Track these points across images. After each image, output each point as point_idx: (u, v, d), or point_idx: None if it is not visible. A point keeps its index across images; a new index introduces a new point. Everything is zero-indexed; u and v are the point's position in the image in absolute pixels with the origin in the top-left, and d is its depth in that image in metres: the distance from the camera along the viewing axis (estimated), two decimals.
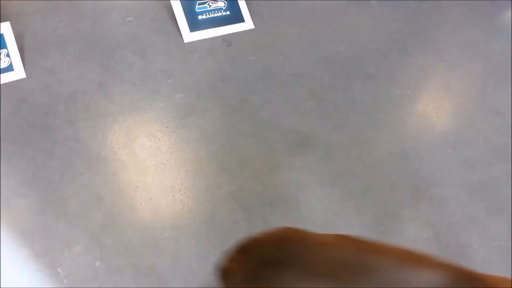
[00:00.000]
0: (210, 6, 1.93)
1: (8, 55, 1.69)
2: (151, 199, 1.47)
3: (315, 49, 1.91)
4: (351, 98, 1.78)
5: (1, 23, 1.72)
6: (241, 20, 1.95)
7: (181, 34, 1.88)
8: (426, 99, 1.84)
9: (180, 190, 1.50)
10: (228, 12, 1.95)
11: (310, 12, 2.04)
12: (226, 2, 1.95)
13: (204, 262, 1.38)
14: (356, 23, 2.02)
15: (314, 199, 1.53)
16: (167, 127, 1.63)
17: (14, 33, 1.73)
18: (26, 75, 1.69)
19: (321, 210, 1.51)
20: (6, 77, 1.67)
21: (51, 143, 1.54)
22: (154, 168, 1.53)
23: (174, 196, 1.49)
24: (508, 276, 1.16)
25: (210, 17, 1.92)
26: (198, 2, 1.92)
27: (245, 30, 1.94)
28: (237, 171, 1.55)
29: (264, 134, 1.65)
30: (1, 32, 1.70)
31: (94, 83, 1.71)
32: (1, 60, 1.68)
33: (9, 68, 1.68)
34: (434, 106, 1.82)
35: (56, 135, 1.56)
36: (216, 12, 1.94)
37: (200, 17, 1.91)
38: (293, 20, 2.00)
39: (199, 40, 1.88)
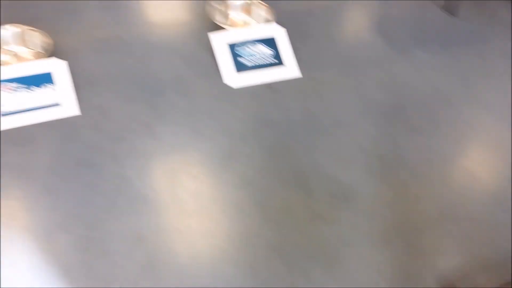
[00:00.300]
0: (257, 52, 1.97)
1: (61, 92, 1.76)
2: (191, 243, 1.47)
3: (360, 98, 1.91)
4: (396, 150, 1.76)
5: (59, 60, 1.80)
6: (286, 66, 1.98)
7: (226, 78, 1.92)
8: (473, 155, 1.80)
9: (219, 236, 1.50)
10: (274, 59, 1.99)
11: (355, 61, 2.05)
12: (272, 49, 1.99)
13: None
14: (401, 73, 2.02)
15: (358, 257, 1.49)
16: (209, 170, 1.65)
17: (70, 71, 1.80)
18: (78, 112, 1.75)
19: (365, 269, 1.47)
20: (58, 113, 1.74)
21: (98, 180, 1.57)
22: (195, 211, 1.54)
23: (213, 241, 1.48)
24: None
25: (257, 63, 1.96)
26: (245, 47, 1.97)
27: (292, 79, 1.97)
28: (278, 219, 1.54)
29: (306, 182, 1.64)
30: (58, 69, 1.78)
31: (141, 123, 1.75)
32: (56, 96, 1.75)
33: (62, 104, 1.75)
34: (482, 163, 1.78)
35: (103, 173, 1.59)
36: (262, 58, 1.97)
37: (246, 62, 1.95)
38: (338, 69, 2.02)
39: (243, 84, 1.92)
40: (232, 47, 1.95)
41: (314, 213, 1.57)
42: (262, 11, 2.15)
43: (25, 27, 1.94)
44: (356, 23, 2.28)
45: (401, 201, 1.63)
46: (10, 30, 1.92)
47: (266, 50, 1.98)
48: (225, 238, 1.49)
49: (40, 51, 1.94)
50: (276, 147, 1.73)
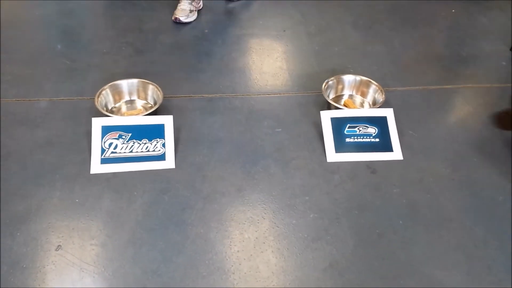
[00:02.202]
0: (359, 130, 1.90)
1: (164, 145, 1.80)
2: None
3: (469, 194, 1.74)
4: (505, 259, 1.54)
5: (165, 116, 1.86)
6: (390, 149, 1.88)
7: (325, 153, 1.86)
8: None
9: None
10: (377, 139, 1.90)
11: (465, 153, 1.90)
12: (377, 129, 1.91)
13: None
14: None
15: None
16: (295, 247, 1.55)
17: (174, 126, 1.85)
18: (175, 166, 1.78)
19: None
20: (157, 165, 1.77)
21: (182, 239, 1.54)
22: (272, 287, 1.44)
23: None
24: None
25: (358, 141, 1.89)
26: (348, 124, 1.91)
27: (392, 160, 1.86)
28: None
29: (400, 279, 1.48)
30: (163, 123, 1.84)
31: (234, 186, 1.72)
32: (157, 148, 1.80)
33: (162, 157, 1.79)
34: None
35: (188, 232, 1.56)
36: (365, 137, 1.90)
37: (347, 139, 1.89)
38: (446, 158, 1.88)
39: (342, 162, 1.84)
40: (339, 124, 1.90)
41: None
42: (374, 91, 2.10)
43: (142, 80, 2.06)
44: (473, 112, 2.14)
45: None
46: (126, 81, 2.05)
47: (371, 130, 1.90)
48: None
49: (151, 103, 2.03)
50: (370, 233, 1.60)
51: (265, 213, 1.64)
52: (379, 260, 1.52)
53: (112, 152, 1.77)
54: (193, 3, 2.70)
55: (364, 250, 1.55)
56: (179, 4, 2.68)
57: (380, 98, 2.03)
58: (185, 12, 2.65)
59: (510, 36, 2.59)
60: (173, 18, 2.67)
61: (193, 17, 2.69)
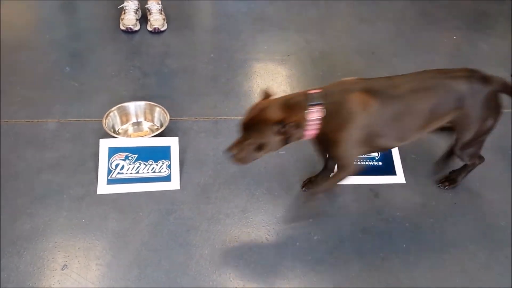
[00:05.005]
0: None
1: (169, 167, 1.83)
2: None
3: (472, 219, 1.75)
4: (508, 284, 1.54)
5: (171, 138, 1.89)
6: (393, 173, 1.90)
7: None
8: None
9: None
10: (380, 163, 1.92)
11: (468, 177, 1.91)
12: (379, 153, 1.93)
13: None
14: None
15: None
16: (299, 269, 1.56)
17: (179, 147, 1.88)
18: (181, 187, 1.80)
19: None
20: (162, 186, 1.79)
21: (186, 259, 1.56)
22: None
23: None
24: None
25: (361, 165, 1.91)
26: None
27: (395, 184, 1.87)
28: None
29: None
30: (169, 145, 1.87)
31: (238, 208, 1.74)
32: (162, 170, 1.82)
33: (167, 178, 1.81)
34: None
35: (193, 253, 1.58)
36: (368, 160, 1.92)
37: None
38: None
39: (345, 185, 1.86)
40: None
41: None
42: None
43: (149, 102, 2.10)
44: None
45: None
46: (133, 103, 2.09)
47: (374, 154, 1.92)
48: None
49: (157, 125, 2.07)
50: (374, 257, 1.60)
51: (268, 235, 1.66)
52: (383, 284, 1.53)
53: (119, 173, 1.80)
54: (162, 12, 2.84)
55: (368, 273, 1.56)
56: (150, 15, 2.81)
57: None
58: (160, 21, 2.78)
59: (510, 62, 2.63)
60: (151, 29, 2.77)
61: (166, 25, 2.85)
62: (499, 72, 2.56)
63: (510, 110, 2.28)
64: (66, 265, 1.52)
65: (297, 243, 1.63)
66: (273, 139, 1.43)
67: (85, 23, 2.97)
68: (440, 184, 1.85)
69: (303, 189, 1.81)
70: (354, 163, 1.58)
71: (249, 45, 2.76)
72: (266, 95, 1.51)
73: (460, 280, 1.54)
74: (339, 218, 1.73)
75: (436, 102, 1.52)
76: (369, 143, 1.52)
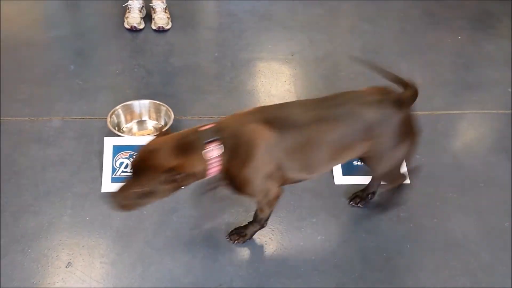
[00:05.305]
0: None
1: None
2: None
3: (476, 219, 1.74)
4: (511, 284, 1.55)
5: None
6: None
7: (333, 176, 1.88)
8: None
9: None
10: None
11: (473, 179, 1.91)
12: None
13: None
14: None
15: None
16: (303, 268, 1.56)
17: None
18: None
19: None
20: None
21: (190, 258, 1.56)
22: None
23: None
24: None
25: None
26: None
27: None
28: None
29: None
30: None
31: (242, 207, 1.74)
32: None
33: None
34: None
35: (196, 251, 1.58)
36: None
37: (355, 162, 1.90)
38: (453, 183, 1.89)
39: (350, 185, 1.86)
40: None
41: None
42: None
43: (153, 101, 2.10)
44: (480, 137, 2.16)
45: None
46: (138, 102, 2.09)
47: None
48: None
49: (161, 124, 2.07)
50: (377, 257, 1.60)
51: (272, 235, 1.66)
52: (386, 284, 1.53)
53: (123, 171, 1.80)
54: (167, 11, 2.83)
55: (371, 273, 1.56)
56: (154, 14, 2.80)
57: None
58: (164, 20, 2.77)
59: None
60: (156, 28, 2.76)
61: (170, 24, 2.82)
62: (503, 72, 2.57)
63: (510, 110, 2.28)
64: (70, 263, 1.52)
65: (301, 243, 1.63)
66: (162, 188, 1.26)
67: (90, 21, 2.97)
68: (351, 202, 1.76)
69: (228, 239, 1.62)
70: (271, 194, 1.42)
71: (253, 44, 2.76)
72: (162, 134, 1.37)
73: (463, 281, 1.54)
74: (343, 218, 1.73)
75: (343, 133, 1.37)
76: (279, 176, 1.38)
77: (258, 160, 1.31)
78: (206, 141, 1.28)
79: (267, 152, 1.31)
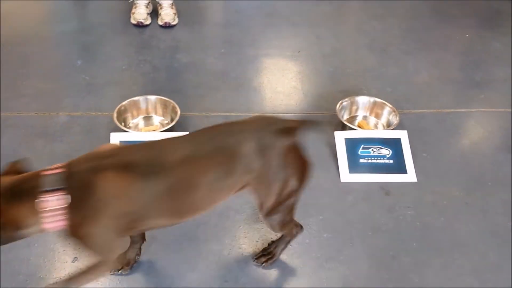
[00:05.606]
0: (373, 151, 1.92)
1: None
2: None
3: (483, 219, 1.73)
4: None
5: (176, 134, 1.89)
6: (404, 171, 1.89)
7: (339, 173, 1.87)
8: None
9: None
10: (391, 161, 1.91)
11: (480, 177, 1.90)
12: (391, 151, 1.92)
13: None
14: None
15: None
16: (307, 266, 1.56)
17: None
18: None
19: None
20: None
21: (194, 255, 1.56)
22: None
23: None
24: None
25: (372, 162, 1.90)
26: (362, 145, 1.92)
27: (406, 182, 1.86)
28: None
29: None
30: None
31: (248, 203, 1.73)
32: None
33: None
34: None
35: (201, 248, 1.58)
36: (379, 158, 1.91)
37: (361, 160, 1.90)
38: (460, 182, 1.88)
39: (356, 183, 1.85)
40: (353, 145, 1.92)
41: None
42: (388, 112, 2.11)
43: (160, 97, 2.10)
44: (487, 136, 2.15)
45: None
46: (145, 97, 2.09)
47: (385, 151, 1.92)
48: None
49: (168, 120, 2.07)
50: (383, 255, 1.60)
51: None
52: (393, 282, 1.52)
53: None
54: (173, 6, 2.82)
55: (378, 271, 1.55)
56: (161, 10, 2.80)
57: (394, 120, 2.05)
58: (171, 16, 2.77)
59: None
60: (162, 24, 2.76)
61: (176, 19, 2.82)
62: (511, 70, 2.55)
63: (510, 110, 2.27)
64: (77, 258, 1.52)
65: (307, 241, 1.63)
66: None
67: (96, 16, 2.97)
68: (256, 261, 1.54)
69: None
70: (114, 254, 1.25)
71: (260, 40, 2.75)
72: (11, 170, 1.16)
73: (470, 280, 1.53)
74: (349, 216, 1.73)
75: (218, 171, 1.20)
76: (132, 227, 1.20)
77: (109, 216, 1.12)
78: (46, 189, 1.07)
79: (122, 205, 1.13)
